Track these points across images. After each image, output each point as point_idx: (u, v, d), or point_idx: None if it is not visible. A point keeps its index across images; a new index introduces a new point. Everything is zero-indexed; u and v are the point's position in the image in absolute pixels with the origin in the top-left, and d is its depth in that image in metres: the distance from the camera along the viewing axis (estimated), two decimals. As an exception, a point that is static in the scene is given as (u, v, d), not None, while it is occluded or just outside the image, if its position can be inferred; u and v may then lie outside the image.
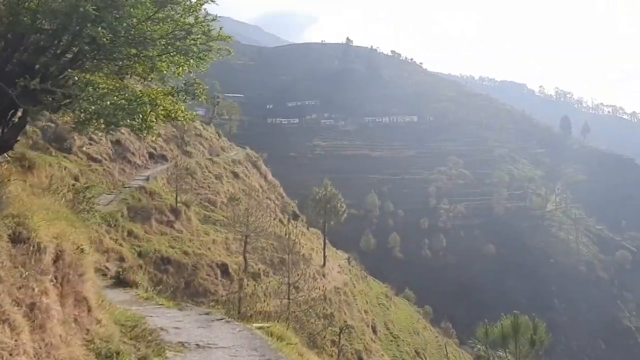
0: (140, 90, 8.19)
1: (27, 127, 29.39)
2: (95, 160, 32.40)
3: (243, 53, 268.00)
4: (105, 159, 33.73)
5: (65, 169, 27.33)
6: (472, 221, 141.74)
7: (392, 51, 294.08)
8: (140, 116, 7.66)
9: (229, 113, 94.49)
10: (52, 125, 30.49)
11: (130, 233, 26.74)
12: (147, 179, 34.27)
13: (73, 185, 10.01)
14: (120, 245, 24.97)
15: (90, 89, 7.43)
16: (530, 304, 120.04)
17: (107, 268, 13.26)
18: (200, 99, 8.49)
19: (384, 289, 65.88)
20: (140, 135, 9.71)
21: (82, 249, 5.33)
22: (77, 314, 5.27)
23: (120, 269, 12.08)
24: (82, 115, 7.84)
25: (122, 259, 23.88)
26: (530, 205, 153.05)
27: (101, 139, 35.03)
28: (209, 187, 41.20)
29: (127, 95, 7.76)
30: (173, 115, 8.12)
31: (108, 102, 7.32)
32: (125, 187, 31.65)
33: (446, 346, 57.89)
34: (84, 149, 32.17)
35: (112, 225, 25.67)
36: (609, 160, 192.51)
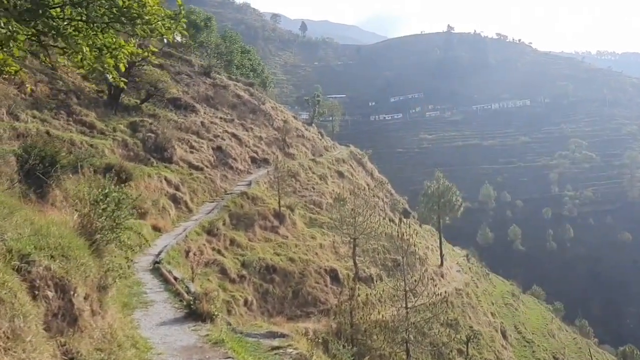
0: None
1: (128, 139, 29.26)
2: (196, 168, 31.65)
3: (342, 53, 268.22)
4: (207, 167, 32.92)
5: (165, 179, 26.61)
6: (603, 207, 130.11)
7: (498, 34, 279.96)
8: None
9: (331, 112, 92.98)
10: (152, 135, 30.12)
11: (232, 242, 25.34)
12: (249, 184, 33.03)
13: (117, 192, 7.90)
14: (222, 255, 23.61)
15: None
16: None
17: (187, 290, 11.36)
18: None
19: (509, 286, 60.56)
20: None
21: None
22: None
23: (192, 298, 10.02)
24: None
25: (224, 271, 22.47)
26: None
27: (202, 147, 34.45)
28: (314, 189, 39.33)
29: None
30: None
31: None
32: (227, 194, 30.55)
33: (589, 349, 51.43)
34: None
35: (214, 235, 24.42)
36: None
